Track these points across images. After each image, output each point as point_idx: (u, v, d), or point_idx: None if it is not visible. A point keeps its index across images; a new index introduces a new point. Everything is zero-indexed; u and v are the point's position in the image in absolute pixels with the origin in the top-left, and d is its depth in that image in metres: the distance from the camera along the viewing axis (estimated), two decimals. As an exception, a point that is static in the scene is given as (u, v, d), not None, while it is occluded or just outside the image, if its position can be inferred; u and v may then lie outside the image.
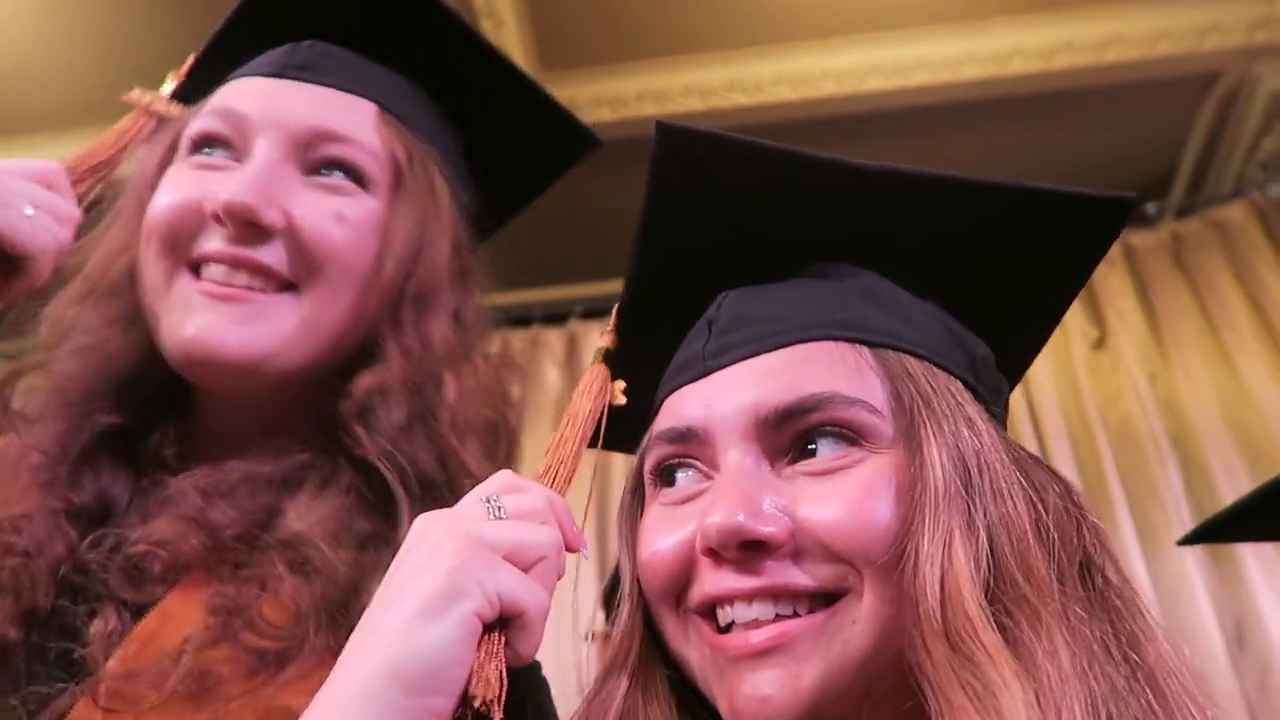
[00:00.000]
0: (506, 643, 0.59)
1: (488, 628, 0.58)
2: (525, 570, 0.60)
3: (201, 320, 0.81)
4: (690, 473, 0.70)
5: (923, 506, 0.61)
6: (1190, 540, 1.65)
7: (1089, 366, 3.31)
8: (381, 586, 0.61)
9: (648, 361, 0.78)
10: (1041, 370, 3.22)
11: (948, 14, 3.30)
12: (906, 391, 0.67)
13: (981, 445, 0.65)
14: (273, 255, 0.83)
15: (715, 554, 0.64)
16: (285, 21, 0.94)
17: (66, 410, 0.84)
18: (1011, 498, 0.64)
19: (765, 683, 0.61)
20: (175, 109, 0.95)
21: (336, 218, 0.85)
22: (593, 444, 0.75)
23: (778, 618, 0.62)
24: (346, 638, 0.60)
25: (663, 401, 0.75)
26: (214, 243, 0.83)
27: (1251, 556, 2.86)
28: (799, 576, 0.63)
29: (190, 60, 0.99)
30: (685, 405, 0.71)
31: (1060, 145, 3.60)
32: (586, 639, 2.02)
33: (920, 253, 0.73)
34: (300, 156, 0.86)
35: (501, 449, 0.90)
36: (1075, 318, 3.39)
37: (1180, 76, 3.48)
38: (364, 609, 0.61)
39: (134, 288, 0.88)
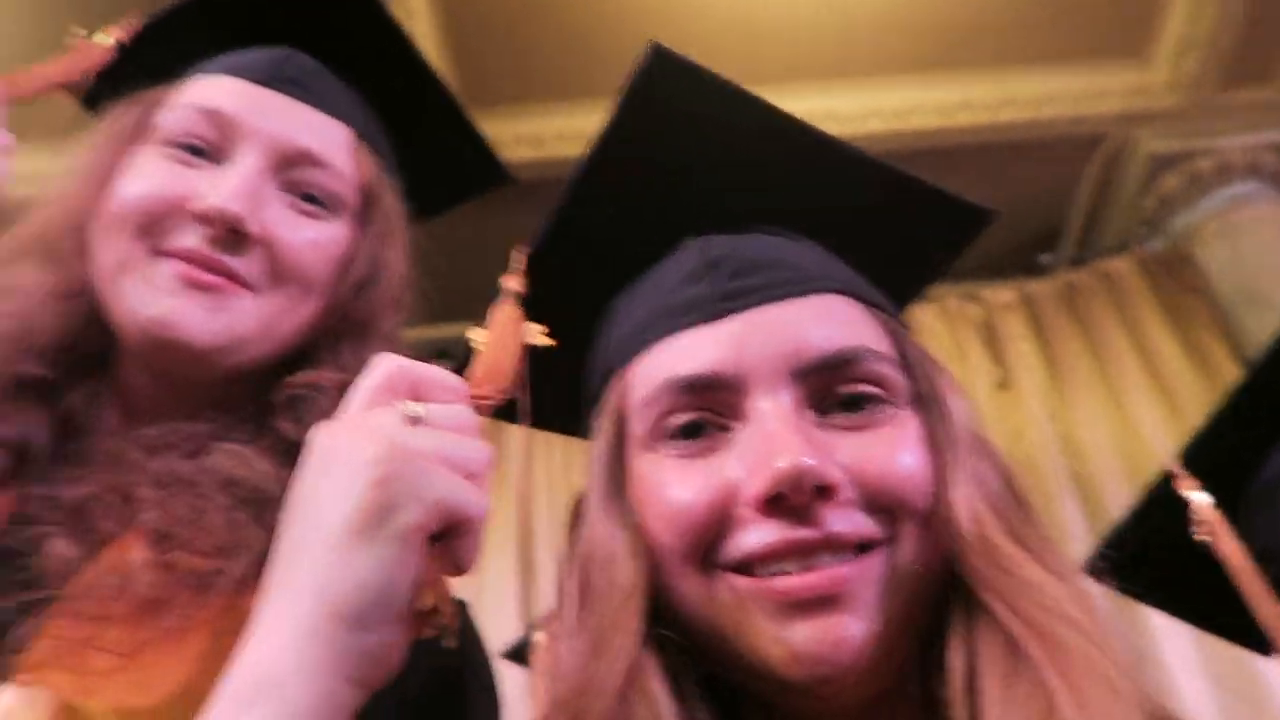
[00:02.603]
0: (445, 554, 0.52)
1: (427, 541, 0.52)
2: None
3: (171, 303, 0.81)
4: (703, 423, 0.65)
5: (950, 455, 0.64)
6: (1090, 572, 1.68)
7: (994, 404, 3.44)
8: (289, 514, 0.53)
9: (560, 317, 0.72)
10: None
11: (854, 70, 3.46)
12: (911, 351, 0.69)
13: (969, 408, 0.69)
14: (244, 265, 0.84)
15: (773, 503, 0.60)
16: (253, 18, 0.96)
17: None
18: (985, 455, 0.67)
19: (836, 625, 0.58)
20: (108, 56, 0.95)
21: (309, 242, 0.88)
22: (508, 416, 0.69)
23: (833, 564, 0.60)
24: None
25: (649, 346, 0.69)
26: (190, 240, 0.83)
27: (1145, 590, 2.98)
28: (851, 524, 0.60)
29: (137, 22, 0.97)
30: (702, 349, 0.66)
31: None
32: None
33: (845, 225, 0.75)
34: (280, 171, 0.88)
35: None
36: (980, 359, 3.53)
37: (1068, 137, 3.72)
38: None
39: (79, 259, 0.86)
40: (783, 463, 0.59)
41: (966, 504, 0.62)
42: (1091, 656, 0.56)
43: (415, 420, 0.54)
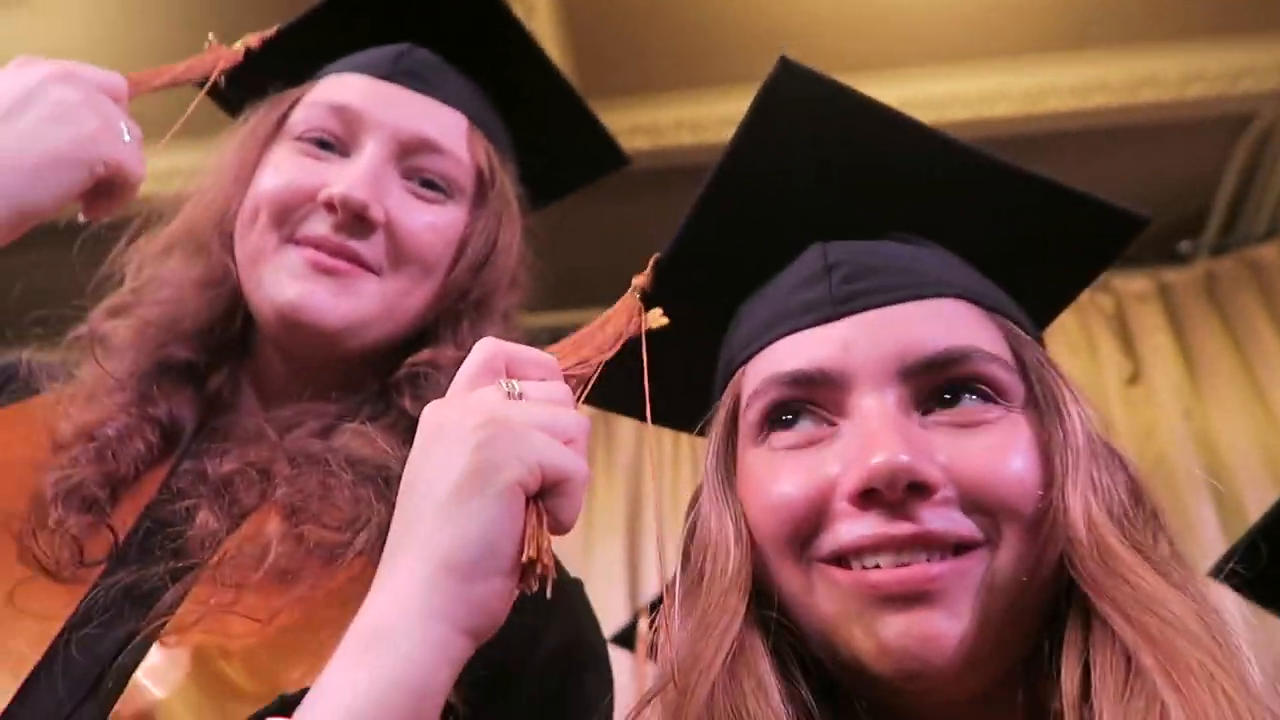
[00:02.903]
0: (548, 512, 0.57)
1: (529, 500, 0.57)
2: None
3: (303, 287, 0.88)
4: (809, 418, 0.67)
5: (1066, 460, 0.63)
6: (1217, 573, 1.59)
7: (1123, 401, 3.30)
8: (404, 485, 0.59)
9: (690, 320, 0.76)
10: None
11: (982, 50, 3.34)
12: (1030, 356, 0.68)
13: (1091, 415, 0.67)
14: (369, 249, 0.90)
15: (868, 497, 0.61)
16: (377, 20, 1.02)
17: (143, 346, 0.91)
18: (1110, 465, 0.66)
19: (926, 622, 0.59)
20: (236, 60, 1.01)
21: (428, 226, 0.93)
22: (639, 414, 0.72)
23: (926, 559, 0.61)
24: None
25: (766, 346, 0.72)
26: (320, 227, 0.89)
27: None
28: (948, 523, 0.61)
29: (272, 31, 1.03)
30: (811, 347, 0.68)
31: (1093, 183, 3.58)
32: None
33: (975, 232, 0.74)
34: (401, 159, 0.93)
35: None
36: (1109, 352, 3.38)
37: (1214, 118, 3.49)
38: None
39: (223, 251, 0.94)
40: (878, 459, 0.60)
41: (1082, 510, 0.61)
42: (1213, 673, 0.54)
43: (514, 395, 0.60)
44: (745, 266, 0.77)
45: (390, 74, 0.96)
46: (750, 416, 0.70)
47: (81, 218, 0.86)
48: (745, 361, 0.73)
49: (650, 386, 0.71)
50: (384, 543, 0.73)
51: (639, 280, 0.78)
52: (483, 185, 0.97)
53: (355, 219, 0.88)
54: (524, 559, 0.55)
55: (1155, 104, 3.41)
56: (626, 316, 0.74)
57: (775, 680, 0.64)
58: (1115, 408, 3.30)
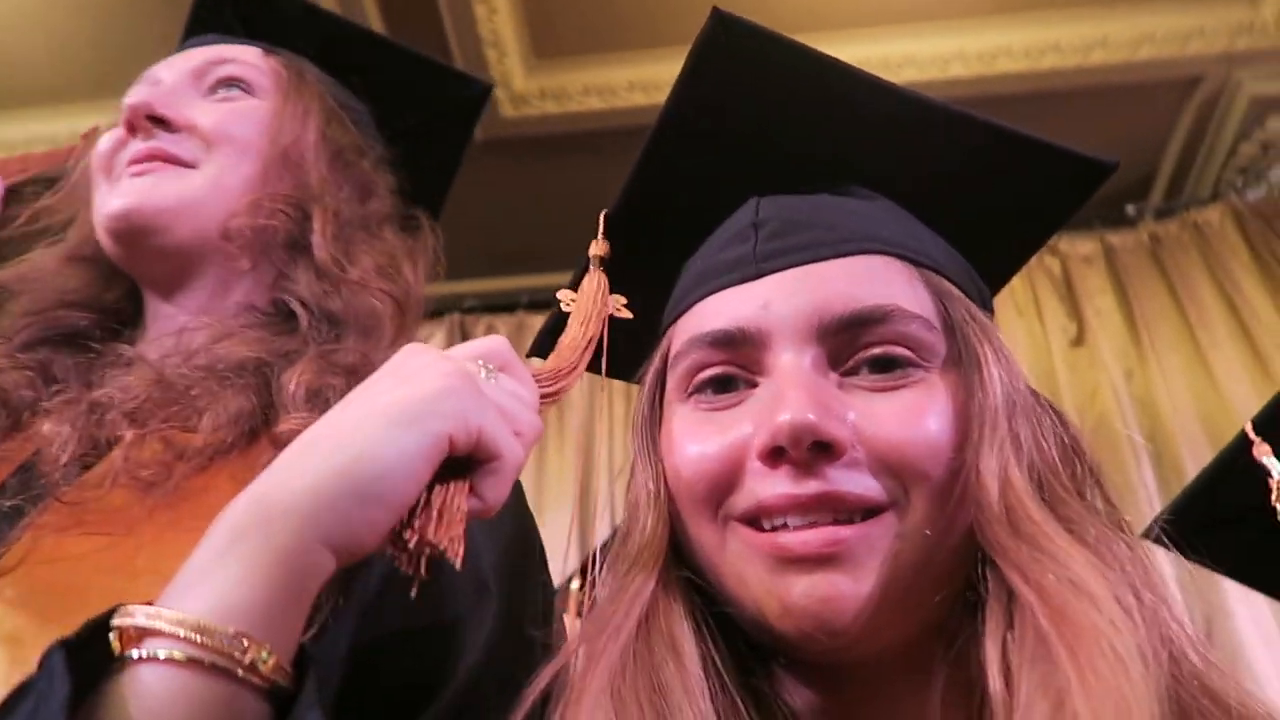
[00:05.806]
0: (472, 488, 0.57)
1: (456, 463, 0.56)
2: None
3: (123, 192, 0.93)
4: (731, 378, 0.67)
5: (983, 421, 0.62)
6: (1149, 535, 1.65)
7: (1067, 362, 3.35)
8: (353, 392, 0.59)
9: (640, 277, 0.76)
10: (1019, 364, 3.27)
11: (937, 12, 3.33)
12: (957, 312, 0.68)
13: (1015, 371, 0.67)
14: (176, 145, 0.95)
15: (776, 456, 0.61)
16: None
17: (29, 311, 0.95)
18: (1038, 422, 0.65)
19: (828, 583, 0.59)
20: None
21: (230, 110, 0.99)
22: (594, 369, 0.73)
23: (835, 522, 0.60)
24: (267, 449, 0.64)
25: (693, 304, 0.71)
26: (133, 148, 0.95)
27: (1221, 554, 2.90)
28: (856, 485, 0.60)
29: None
30: (733, 306, 0.68)
31: (1044, 145, 3.64)
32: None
33: (927, 183, 0.73)
34: (199, 84, 1.01)
35: (399, 320, 0.97)
36: (1054, 314, 3.43)
37: (1162, 80, 3.53)
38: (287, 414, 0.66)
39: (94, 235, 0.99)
40: (784, 417, 0.60)
41: (997, 470, 0.60)
42: (1104, 634, 0.53)
43: (490, 377, 0.61)
44: (689, 223, 0.75)
45: (189, 45, 1.06)
46: (675, 376, 0.70)
47: None
48: (675, 320, 0.73)
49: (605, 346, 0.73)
50: (251, 435, 0.77)
51: (596, 249, 0.77)
52: (281, 81, 1.03)
53: (152, 121, 0.94)
54: (414, 531, 0.53)
55: (1106, 66, 3.44)
56: (595, 295, 0.75)
57: (693, 646, 0.63)
58: (1059, 369, 3.35)
